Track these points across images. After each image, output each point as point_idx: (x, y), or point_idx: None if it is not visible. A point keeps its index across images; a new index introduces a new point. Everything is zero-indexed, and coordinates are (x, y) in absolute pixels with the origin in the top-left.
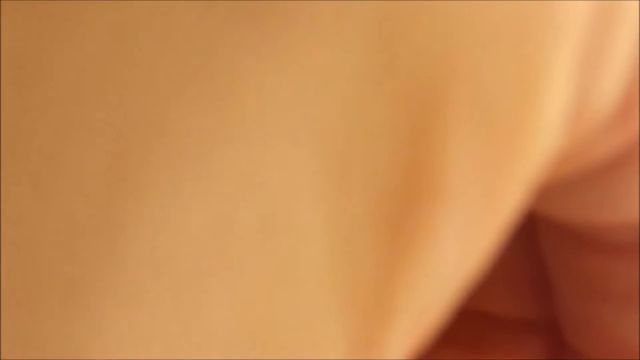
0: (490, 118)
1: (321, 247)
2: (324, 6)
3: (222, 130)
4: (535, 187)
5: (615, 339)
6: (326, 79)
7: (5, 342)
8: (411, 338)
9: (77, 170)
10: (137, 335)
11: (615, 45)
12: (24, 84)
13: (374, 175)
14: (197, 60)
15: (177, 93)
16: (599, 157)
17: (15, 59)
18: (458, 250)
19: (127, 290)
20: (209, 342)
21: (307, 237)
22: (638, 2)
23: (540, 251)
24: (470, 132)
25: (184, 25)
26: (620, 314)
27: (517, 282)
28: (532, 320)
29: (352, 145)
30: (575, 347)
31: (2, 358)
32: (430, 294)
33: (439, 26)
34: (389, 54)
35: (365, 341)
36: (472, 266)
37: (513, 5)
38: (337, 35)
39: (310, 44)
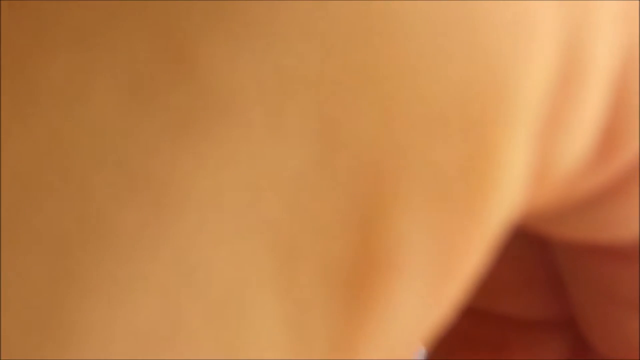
0: (443, 194)
1: (276, 333)
2: (261, 102)
3: (165, 230)
4: (511, 226)
5: (628, 340)
6: (268, 172)
7: None
8: None
9: (20, 273)
10: None
11: (582, 101)
12: None
13: (325, 259)
14: (133, 166)
15: (116, 197)
16: (585, 192)
17: None
18: (419, 310)
19: None
20: None
21: (261, 323)
22: (608, 47)
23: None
24: (422, 209)
25: (120, 134)
26: (631, 318)
27: (536, 283)
28: (553, 320)
29: (300, 233)
30: (595, 345)
31: None
32: (392, 349)
33: (382, 110)
34: (332, 142)
35: None
36: (438, 316)
37: (462, 83)
38: (277, 129)
39: (249, 140)
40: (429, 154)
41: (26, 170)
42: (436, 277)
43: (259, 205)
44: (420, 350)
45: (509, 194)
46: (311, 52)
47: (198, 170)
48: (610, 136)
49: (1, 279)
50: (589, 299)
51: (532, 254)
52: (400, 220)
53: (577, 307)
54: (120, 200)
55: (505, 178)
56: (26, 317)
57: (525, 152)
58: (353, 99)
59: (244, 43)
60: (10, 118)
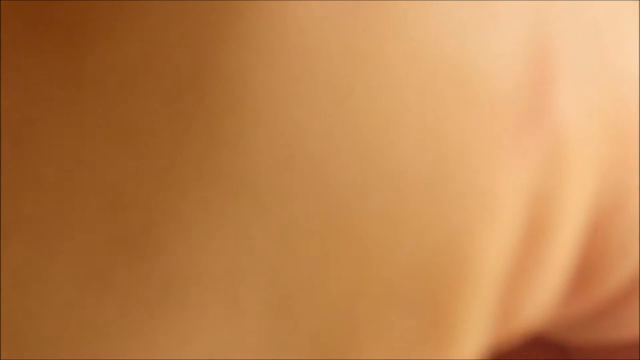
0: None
1: None
2: (216, 285)
3: None
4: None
5: None
6: (223, 354)
7: None
8: None
9: None
10: None
11: (550, 253)
12: None
13: None
14: (89, 352)
15: None
16: (570, 315)
17: None
18: None
19: None
20: None
21: None
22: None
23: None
24: None
25: (77, 318)
26: None
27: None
28: None
29: None
30: None
31: None
32: None
33: (339, 287)
34: (287, 322)
35: None
36: None
37: (422, 256)
38: (232, 311)
39: (205, 323)
40: (387, 327)
41: None
42: None
43: None
44: None
45: (468, 352)
46: (266, 234)
47: (153, 354)
48: (585, 275)
49: None
50: None
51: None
52: None
53: None
54: None
55: (463, 342)
56: None
57: (487, 312)
58: (309, 280)
59: (198, 225)
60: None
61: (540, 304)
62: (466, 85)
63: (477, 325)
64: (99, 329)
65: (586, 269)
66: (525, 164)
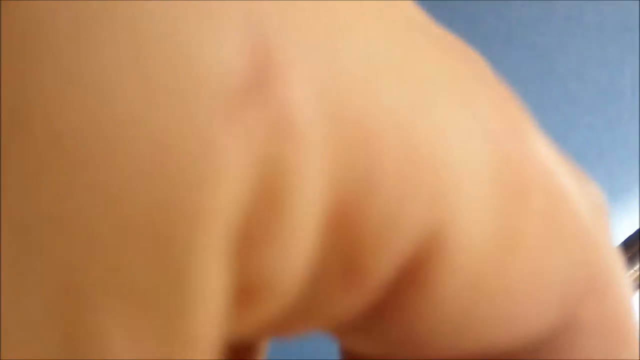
0: (142, 309)
1: None
2: None
3: None
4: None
5: None
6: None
7: None
8: None
9: None
10: None
11: (287, 224)
12: None
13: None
14: None
15: None
16: (351, 311)
17: None
18: None
19: None
20: None
21: None
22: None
23: None
24: (125, 318)
25: None
26: None
27: None
28: None
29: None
30: None
31: None
32: None
33: (76, 241)
34: (30, 266)
35: None
36: None
37: (148, 212)
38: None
39: None
40: (122, 275)
41: None
42: None
43: None
44: None
45: (209, 312)
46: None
47: None
48: (350, 263)
49: None
50: None
51: None
52: (104, 327)
53: None
54: None
55: (199, 298)
56: None
57: (221, 270)
58: (47, 229)
59: None
60: None
61: (292, 275)
62: (188, 76)
63: (213, 281)
64: None
65: (349, 256)
66: (249, 138)
